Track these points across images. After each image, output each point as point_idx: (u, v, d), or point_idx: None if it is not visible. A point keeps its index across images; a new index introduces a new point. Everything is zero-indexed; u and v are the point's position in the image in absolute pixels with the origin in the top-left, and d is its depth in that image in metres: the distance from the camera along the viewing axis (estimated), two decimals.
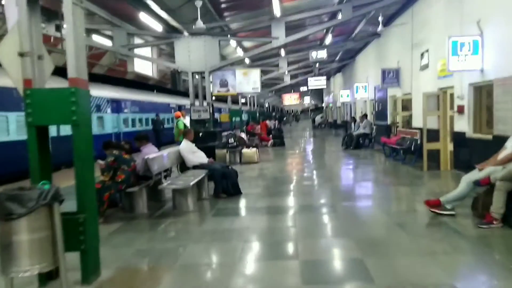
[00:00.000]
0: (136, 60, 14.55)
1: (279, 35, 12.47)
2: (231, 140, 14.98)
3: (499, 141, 7.16)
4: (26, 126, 4.19)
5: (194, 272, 4.66)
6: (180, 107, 26.91)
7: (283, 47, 19.39)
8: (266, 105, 56.50)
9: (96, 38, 14.33)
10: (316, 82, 31.22)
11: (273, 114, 53.86)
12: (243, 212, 7.77)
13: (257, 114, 34.06)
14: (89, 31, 13.20)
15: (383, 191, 9.27)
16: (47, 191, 3.70)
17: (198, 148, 9.43)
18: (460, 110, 10.11)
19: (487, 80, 8.95)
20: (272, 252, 5.28)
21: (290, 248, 5.43)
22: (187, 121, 15.72)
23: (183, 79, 18.03)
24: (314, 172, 12.50)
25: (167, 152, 8.62)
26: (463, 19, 9.80)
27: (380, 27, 14.94)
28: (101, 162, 7.14)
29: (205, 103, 12.93)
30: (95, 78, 20.78)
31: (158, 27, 12.68)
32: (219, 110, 34.75)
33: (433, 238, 5.55)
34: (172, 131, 18.46)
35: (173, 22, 11.97)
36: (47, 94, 4.20)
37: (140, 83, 27.30)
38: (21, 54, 4.21)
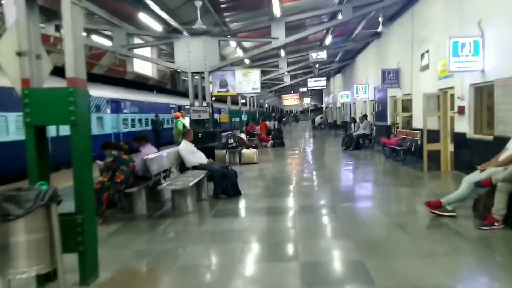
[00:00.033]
0: (135, 60, 14.50)
1: (279, 36, 12.43)
2: (231, 141, 14.97)
3: (500, 142, 7.13)
4: (24, 126, 4.16)
5: (193, 273, 4.63)
6: (179, 108, 26.89)
7: (283, 48, 19.36)
8: (266, 106, 56.44)
9: (96, 38, 14.29)
10: (316, 82, 31.16)
11: (273, 114, 53.80)
12: (242, 213, 7.74)
13: (257, 115, 34.02)
14: (89, 31, 13.16)
15: (383, 192, 9.24)
16: (45, 191, 3.66)
17: (198, 148, 9.40)
18: (461, 110, 10.08)
19: (488, 80, 8.92)
20: (271, 253, 5.25)
21: (290, 249, 5.40)
22: (186, 121, 15.70)
23: (183, 79, 18.01)
24: (314, 172, 12.47)
25: (167, 152, 8.59)
26: (464, 19, 9.77)
27: (380, 27, 14.90)
28: (100, 162, 7.12)
29: (204, 104, 12.89)
30: (94, 78, 20.75)
31: (157, 27, 12.64)
32: (219, 111, 34.71)
33: (434, 240, 5.52)
34: (172, 132, 18.45)
35: (173, 22, 11.94)
36: (45, 94, 4.17)
37: (140, 83, 27.27)
38: (19, 54, 4.18)
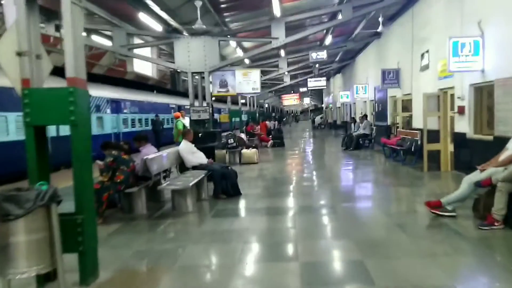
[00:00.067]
0: (135, 60, 14.49)
1: (279, 36, 12.43)
2: (231, 141, 14.97)
3: (500, 142, 7.13)
4: (24, 126, 4.16)
5: (193, 274, 4.63)
6: (179, 108, 26.89)
7: (283, 48, 19.36)
8: (266, 106, 56.44)
9: (96, 38, 14.30)
10: (316, 82, 31.16)
11: (273, 114, 53.80)
12: (242, 213, 7.74)
13: (257, 115, 34.02)
14: (89, 31, 13.16)
15: (383, 192, 9.24)
16: (45, 191, 3.66)
17: (198, 148, 9.40)
18: (461, 110, 10.08)
19: (488, 80, 8.92)
20: (271, 253, 5.25)
21: (290, 249, 5.40)
22: (186, 121, 15.69)
23: (183, 80, 17.99)
24: (314, 172, 12.47)
25: (166, 152, 8.59)
26: (464, 19, 9.77)
27: (380, 28, 14.90)
28: (100, 162, 7.12)
29: (204, 104, 12.88)
30: (94, 78, 20.76)
31: (157, 27, 12.64)
32: (219, 111, 34.71)
33: (434, 240, 5.52)
34: (172, 132, 18.45)
35: (173, 22, 11.93)
36: (45, 93, 4.17)
37: (140, 83, 27.27)
38: (19, 54, 4.17)
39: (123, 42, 12.71)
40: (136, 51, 13.75)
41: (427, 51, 12.39)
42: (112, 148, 7.25)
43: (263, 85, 25.85)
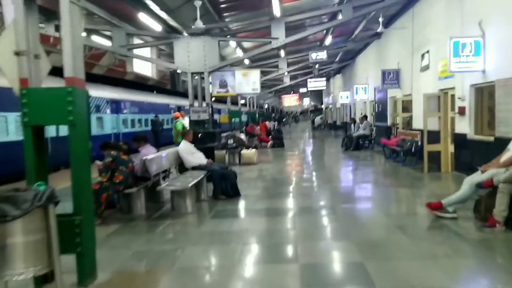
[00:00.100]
0: (135, 60, 14.47)
1: (279, 36, 12.40)
2: (231, 141, 14.93)
3: (501, 143, 7.10)
4: (22, 126, 4.13)
5: (192, 275, 4.60)
6: (179, 108, 26.86)
7: (282, 48, 19.33)
8: (266, 106, 56.43)
9: (96, 39, 14.26)
10: (315, 83, 31.17)
11: (273, 115, 53.78)
12: (242, 214, 7.71)
13: (257, 115, 33.99)
14: (88, 32, 13.13)
15: (383, 193, 9.21)
16: (42, 192, 3.63)
17: (197, 149, 9.37)
18: (461, 111, 10.05)
19: (489, 81, 8.89)
20: (271, 254, 5.22)
21: (290, 250, 5.37)
22: (186, 122, 15.65)
23: (183, 80, 17.97)
24: (314, 173, 12.44)
25: (166, 153, 8.55)
26: (464, 19, 9.74)
27: (380, 28, 14.87)
28: (99, 163, 7.09)
29: (204, 104, 12.85)
30: (94, 79, 20.73)
31: (157, 27, 12.61)
32: (219, 111, 34.68)
33: (435, 241, 5.49)
34: (171, 132, 18.42)
35: (173, 22, 11.90)
36: (44, 93, 4.14)
37: (140, 83, 27.25)
38: (17, 53, 4.14)
39: (123, 42, 12.68)
40: (135, 51, 13.73)
41: (428, 52, 12.37)
42: (111, 149, 7.22)
43: (263, 85, 25.83)
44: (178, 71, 16.00)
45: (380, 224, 6.43)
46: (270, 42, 12.62)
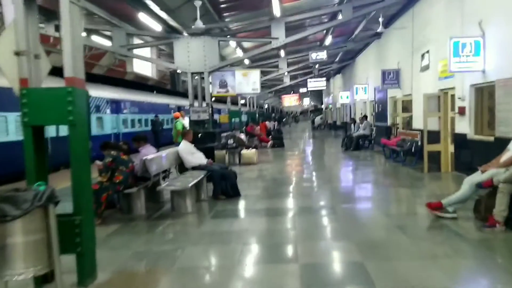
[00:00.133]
0: (135, 60, 14.47)
1: (279, 36, 12.39)
2: (231, 141, 14.93)
3: (501, 143, 7.10)
4: (22, 126, 4.13)
5: (192, 275, 4.60)
6: (179, 108, 26.87)
7: (282, 48, 19.32)
8: (266, 106, 56.42)
9: (96, 39, 14.27)
10: (315, 83, 31.17)
11: (273, 115, 53.77)
12: (242, 214, 7.70)
13: (257, 115, 33.99)
14: (88, 32, 13.13)
15: (383, 193, 9.21)
16: (42, 192, 3.63)
17: (197, 149, 9.37)
18: (461, 111, 10.05)
19: (489, 81, 8.89)
20: (271, 254, 5.22)
21: (290, 250, 5.37)
22: (186, 122, 15.65)
23: (183, 80, 17.96)
24: (314, 173, 12.44)
25: (166, 153, 8.55)
26: (465, 19, 9.74)
27: (380, 28, 14.87)
28: (99, 163, 7.08)
29: (204, 104, 12.85)
30: (94, 79, 20.73)
31: (157, 27, 12.61)
32: (219, 111, 34.68)
33: (435, 241, 5.49)
34: (171, 132, 18.42)
35: (172, 22, 11.89)
36: (43, 93, 4.14)
37: (140, 83, 27.26)
38: (17, 53, 4.14)
39: (123, 42, 12.68)
40: (135, 51, 13.72)
41: (428, 52, 12.36)
42: (111, 149, 7.21)
43: (263, 85, 25.84)
44: (178, 71, 16.00)
45: (380, 224, 6.43)
46: (270, 42, 12.61)
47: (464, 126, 10.07)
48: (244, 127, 23.37)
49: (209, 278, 4.60)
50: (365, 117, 19.44)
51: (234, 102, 31.57)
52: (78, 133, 4.14)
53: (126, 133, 20.67)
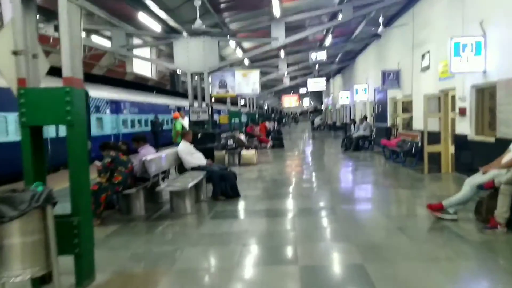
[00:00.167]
0: (135, 61, 14.46)
1: (279, 36, 12.39)
2: (230, 142, 14.89)
3: (502, 144, 7.07)
4: (20, 126, 4.10)
5: (191, 276, 4.56)
6: (179, 109, 26.86)
7: (282, 48, 19.34)
8: (266, 107, 56.44)
9: (95, 39, 14.25)
10: (315, 84, 31.14)
11: (272, 115, 53.78)
12: (241, 214, 7.67)
13: (256, 116, 33.99)
14: (88, 32, 13.12)
15: (384, 194, 9.18)
16: (40, 193, 3.59)
17: (197, 149, 9.34)
18: (462, 112, 10.02)
19: (490, 81, 8.86)
20: (271, 256, 5.18)
21: (289, 252, 5.33)
22: (185, 122, 15.64)
23: (182, 81, 17.95)
24: (313, 174, 12.41)
25: (165, 153, 8.52)
26: (465, 19, 9.71)
27: (380, 28, 14.85)
28: (98, 163, 7.05)
29: (204, 104, 12.83)
30: (94, 79, 20.70)
31: (157, 28, 12.60)
32: (218, 112, 34.67)
33: (436, 243, 5.45)
34: (171, 133, 18.41)
35: (172, 22, 11.90)
36: (41, 93, 4.10)
37: (139, 84, 27.25)
38: (15, 53, 4.11)
39: (123, 43, 12.67)
40: (135, 51, 13.71)
41: (428, 52, 12.33)
42: (110, 149, 7.18)
43: (263, 86, 25.84)
44: (177, 71, 15.99)
45: (381, 226, 6.39)
46: (270, 43, 12.60)
47: (464, 127, 10.04)
48: (244, 128, 23.35)
49: (208, 280, 4.57)
50: (365, 117, 19.42)
51: (234, 102, 31.59)
52: (76, 133, 4.11)
53: (126, 134, 20.64)
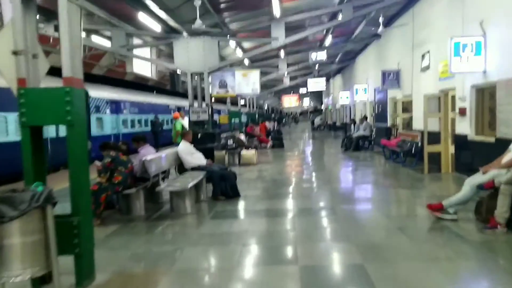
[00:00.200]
0: (135, 61, 14.46)
1: (279, 36, 12.39)
2: (230, 142, 14.89)
3: (502, 144, 7.07)
4: (20, 126, 4.10)
5: (191, 277, 4.56)
6: (179, 109, 26.86)
7: (282, 48, 19.34)
8: (266, 107, 56.43)
9: (95, 39, 14.25)
10: (315, 84, 31.13)
11: (272, 115, 53.78)
12: (241, 214, 7.66)
13: (256, 116, 33.99)
14: (88, 32, 13.12)
15: (384, 194, 9.17)
16: (40, 193, 3.59)
17: (197, 149, 9.34)
18: (462, 112, 10.02)
19: (490, 81, 8.85)
20: (271, 256, 5.17)
21: (289, 252, 5.32)
22: (185, 122, 15.64)
23: (182, 81, 17.95)
24: (313, 174, 12.40)
25: (165, 153, 8.51)
26: (465, 19, 9.71)
27: (380, 28, 14.84)
28: (98, 163, 7.05)
29: (204, 104, 12.83)
30: (94, 79, 20.70)
31: (157, 28, 12.59)
32: (218, 112, 34.66)
33: (436, 243, 5.45)
34: (171, 133, 18.41)
35: (172, 22, 11.89)
36: (41, 93, 4.10)
37: (139, 84, 27.25)
38: (15, 53, 4.11)
39: (123, 43, 12.67)
40: (135, 51, 13.71)
41: (428, 52, 12.33)
42: (110, 149, 7.18)
43: (263, 86, 25.84)
44: (177, 71, 15.99)
45: (381, 226, 6.39)
46: (270, 43, 12.60)
47: (464, 127, 10.04)
48: (244, 128, 23.34)
49: (208, 280, 4.57)
50: (365, 117, 19.41)
51: (234, 102, 31.58)
52: (76, 133, 4.11)
53: (126, 134, 20.64)
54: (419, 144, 11.70)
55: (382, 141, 14.74)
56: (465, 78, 9.80)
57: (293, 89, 45.02)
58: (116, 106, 20.53)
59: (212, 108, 14.64)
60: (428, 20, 12.42)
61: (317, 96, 63.09)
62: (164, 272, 4.69)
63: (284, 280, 4.37)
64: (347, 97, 27.66)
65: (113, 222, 6.90)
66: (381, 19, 14.60)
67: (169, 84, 23.10)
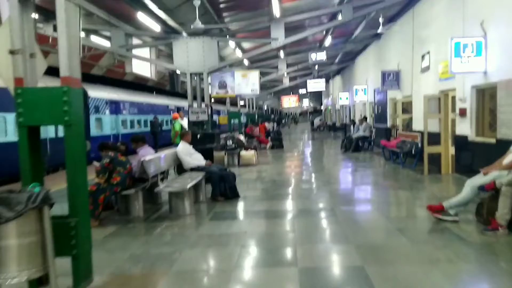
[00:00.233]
0: (134, 61, 14.43)
1: (279, 36, 12.36)
2: (229, 142, 14.86)
3: (503, 145, 7.04)
4: (17, 126, 4.06)
5: (190, 278, 4.52)
6: (178, 109, 26.83)
7: (282, 49, 19.31)
8: (265, 108, 56.43)
9: (95, 39, 14.22)
10: (315, 84, 31.12)
11: (272, 116, 53.77)
12: (240, 216, 7.63)
13: (256, 116, 33.96)
14: (87, 32, 13.09)
15: (383, 195, 9.14)
16: (37, 194, 3.55)
17: (196, 150, 9.30)
18: (462, 113, 9.98)
19: (491, 82, 8.82)
20: (270, 258, 5.14)
21: (289, 254, 5.29)
22: (184, 122, 15.60)
23: (182, 81, 17.91)
24: (313, 175, 12.36)
25: (164, 154, 8.48)
26: (466, 19, 9.68)
27: (380, 28, 14.81)
28: (96, 164, 7.01)
29: (203, 105, 12.79)
30: (93, 79, 20.67)
31: (156, 28, 12.56)
32: (218, 112, 34.63)
33: (436, 245, 5.40)
34: (170, 133, 18.37)
35: (171, 22, 11.86)
36: (39, 93, 4.06)
37: (139, 84, 27.23)
38: (12, 52, 4.07)
39: (122, 43, 12.64)
40: (134, 51, 13.67)
41: (428, 53, 12.30)
42: (109, 149, 7.15)
43: (262, 86, 25.83)
44: (177, 71, 15.95)
45: (381, 227, 6.35)
46: (270, 43, 12.57)
47: (465, 128, 10.01)
48: (243, 128, 23.31)
49: (207, 282, 4.52)
50: (365, 118, 19.39)
51: (233, 103, 31.55)
52: (74, 133, 4.07)
53: (125, 134, 20.60)
54: (419, 145, 11.67)
55: (382, 142, 14.72)
56: (465, 78, 9.76)
57: (293, 90, 45.02)
58: (115, 107, 20.50)
59: (211, 108, 14.62)
60: (428, 20, 12.39)
61: (317, 96, 63.10)
62: (162, 273, 4.65)
63: (283, 282, 4.34)
64: (346, 98, 27.65)
65: (111, 223, 6.86)
66: (381, 20, 14.58)
67: (168, 84, 23.05)
